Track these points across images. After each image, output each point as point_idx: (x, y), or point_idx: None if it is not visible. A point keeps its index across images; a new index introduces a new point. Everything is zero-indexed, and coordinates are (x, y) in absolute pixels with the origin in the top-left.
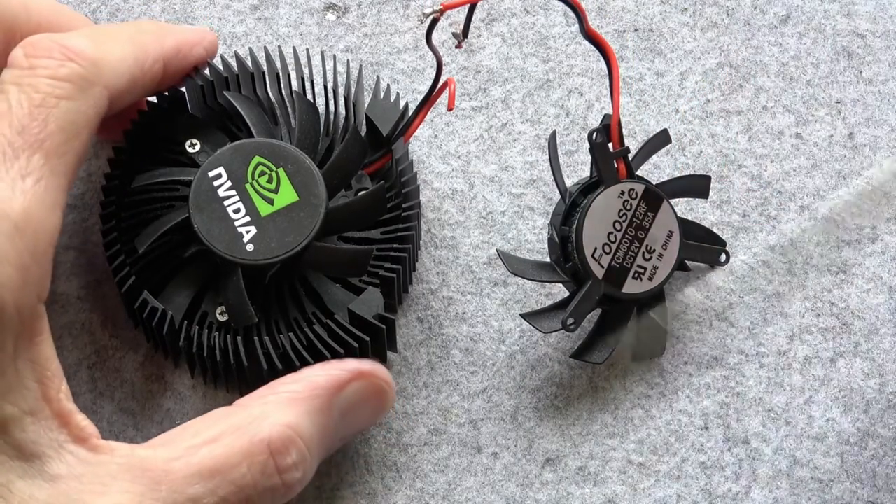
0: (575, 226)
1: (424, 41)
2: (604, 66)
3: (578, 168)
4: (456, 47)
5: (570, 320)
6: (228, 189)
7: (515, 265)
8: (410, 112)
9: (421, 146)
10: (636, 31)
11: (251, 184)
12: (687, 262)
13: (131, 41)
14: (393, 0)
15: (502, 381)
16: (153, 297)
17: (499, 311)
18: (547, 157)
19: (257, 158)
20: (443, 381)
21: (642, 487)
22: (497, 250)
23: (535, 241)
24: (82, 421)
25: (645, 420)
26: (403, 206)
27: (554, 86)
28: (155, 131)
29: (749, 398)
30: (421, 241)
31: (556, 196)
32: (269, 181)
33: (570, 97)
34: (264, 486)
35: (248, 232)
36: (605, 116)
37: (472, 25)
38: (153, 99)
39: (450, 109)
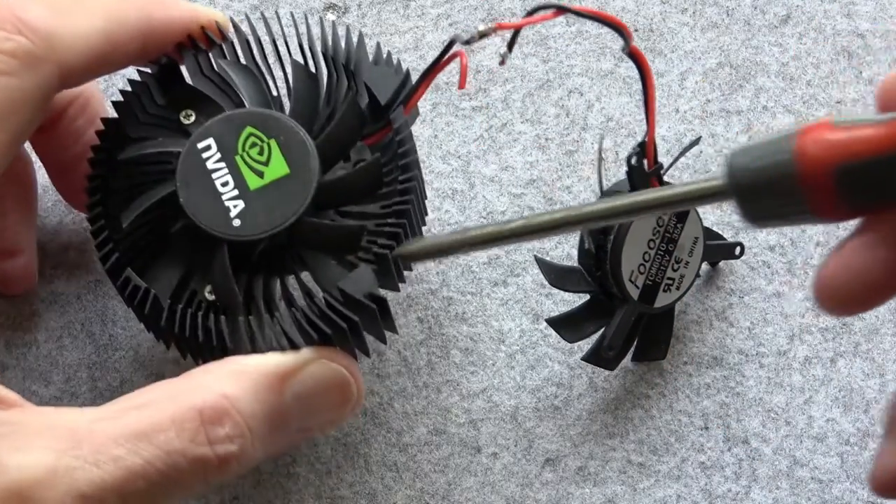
0: (611, 253)
1: (460, 43)
2: (604, 66)
3: (578, 168)
4: (500, 63)
5: (610, 351)
6: (217, 161)
7: (554, 277)
8: (413, 81)
9: (421, 146)
10: (636, 31)
11: (241, 156)
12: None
13: (106, 13)
14: (393, 0)
15: (502, 381)
16: (138, 276)
17: (499, 311)
18: (547, 157)
19: (249, 129)
20: (443, 381)
21: (642, 487)
22: (535, 256)
23: (535, 241)
24: (1, 390)
25: (645, 420)
26: (400, 178)
27: (554, 86)
28: (147, 102)
29: (749, 398)
30: (426, 217)
31: (557, 196)
32: (261, 153)
33: (570, 97)
34: (193, 455)
35: (235, 206)
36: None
37: (472, 26)
38: (147, 69)
39: (461, 88)
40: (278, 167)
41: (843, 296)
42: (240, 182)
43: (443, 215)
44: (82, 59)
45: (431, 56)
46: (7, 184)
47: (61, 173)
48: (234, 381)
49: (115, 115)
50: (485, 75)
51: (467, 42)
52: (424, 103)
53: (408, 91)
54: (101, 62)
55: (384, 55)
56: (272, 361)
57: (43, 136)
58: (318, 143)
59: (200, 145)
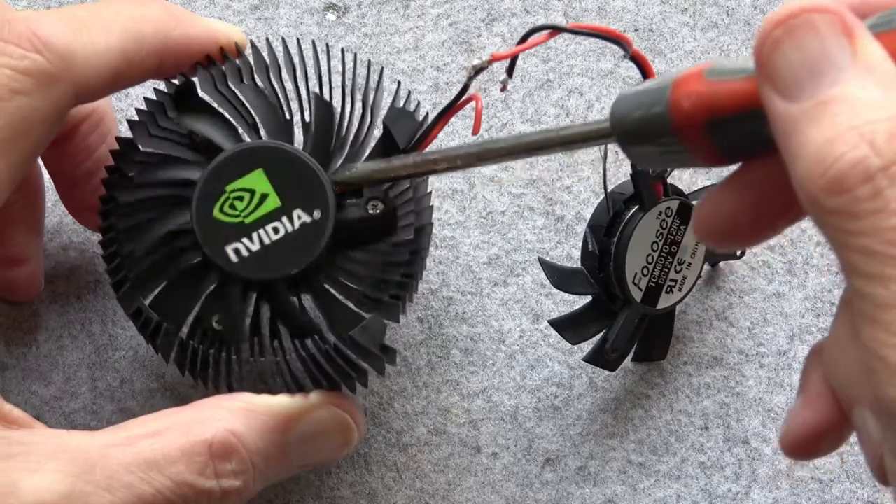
0: (615, 255)
1: (468, 81)
2: (604, 66)
3: (578, 168)
4: (501, 90)
5: (614, 354)
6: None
7: (557, 278)
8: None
9: None
10: (636, 31)
11: (243, 215)
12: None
13: (124, 31)
14: (393, 0)
15: (502, 381)
16: (148, 307)
17: (499, 311)
18: (547, 157)
19: (221, 200)
20: (443, 381)
21: (642, 487)
22: (539, 258)
23: (534, 241)
24: (12, 410)
25: (645, 420)
26: (416, 227)
27: (554, 86)
28: (161, 117)
29: (749, 398)
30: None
31: (557, 196)
32: (241, 199)
33: (570, 97)
34: (201, 487)
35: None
36: None
37: (472, 26)
38: (163, 87)
39: (475, 133)
40: (262, 186)
41: (718, 235)
42: (263, 221)
43: (443, 215)
44: (99, 77)
45: (432, 56)
46: (15, 193)
47: (70, 188)
48: (243, 418)
49: (129, 134)
50: (485, 75)
51: (469, 79)
52: (426, 103)
53: (422, 132)
54: (118, 79)
55: (404, 96)
56: (281, 403)
57: (54, 150)
58: (267, 140)
59: (219, 260)
